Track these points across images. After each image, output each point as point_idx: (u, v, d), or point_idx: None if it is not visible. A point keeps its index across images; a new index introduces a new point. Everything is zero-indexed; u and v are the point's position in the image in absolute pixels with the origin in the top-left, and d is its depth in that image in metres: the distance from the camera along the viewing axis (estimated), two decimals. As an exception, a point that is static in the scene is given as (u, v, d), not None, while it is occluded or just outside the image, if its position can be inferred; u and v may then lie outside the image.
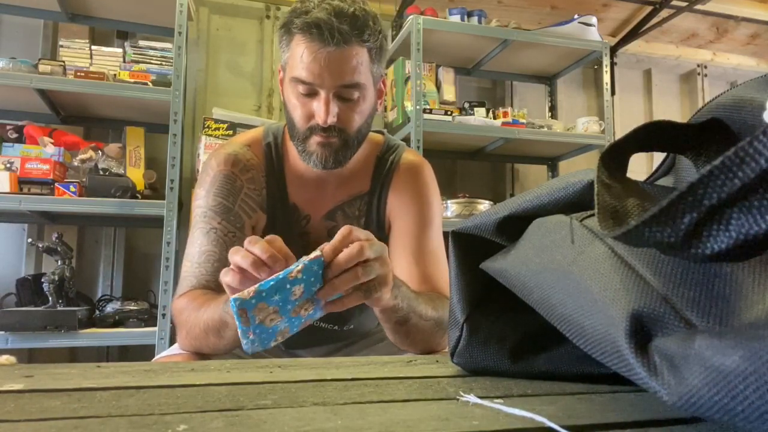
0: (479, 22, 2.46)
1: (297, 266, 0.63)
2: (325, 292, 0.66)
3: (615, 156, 0.37)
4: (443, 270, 0.99)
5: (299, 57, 0.88)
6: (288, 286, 0.62)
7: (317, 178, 1.01)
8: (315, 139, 0.92)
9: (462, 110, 2.48)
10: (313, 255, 0.65)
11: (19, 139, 2.03)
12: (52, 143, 1.98)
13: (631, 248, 0.34)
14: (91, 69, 2.02)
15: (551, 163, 2.89)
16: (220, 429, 0.30)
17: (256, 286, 0.61)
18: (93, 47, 2.13)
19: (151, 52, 2.17)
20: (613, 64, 2.78)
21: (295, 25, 0.88)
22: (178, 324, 0.90)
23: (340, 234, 0.68)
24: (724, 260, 0.27)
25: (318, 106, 0.89)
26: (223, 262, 0.92)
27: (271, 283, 0.61)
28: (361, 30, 0.88)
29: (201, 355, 0.89)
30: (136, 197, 1.97)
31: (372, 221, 1.04)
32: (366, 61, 0.91)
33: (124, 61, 2.12)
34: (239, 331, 0.61)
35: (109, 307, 2.00)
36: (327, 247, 0.66)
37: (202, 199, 0.97)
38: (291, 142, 0.99)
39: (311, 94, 0.90)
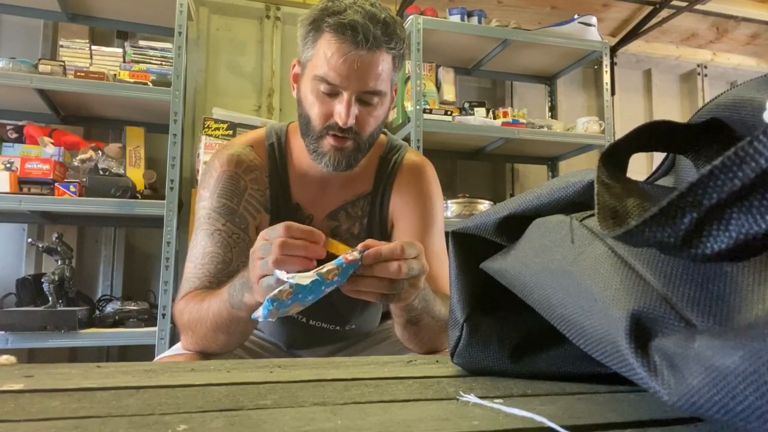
0: (479, 22, 2.46)
1: (334, 267, 0.64)
2: (356, 286, 0.68)
3: (615, 156, 0.37)
4: (447, 270, 0.99)
5: (327, 57, 0.88)
6: (323, 288, 0.64)
7: (320, 178, 1.01)
8: (329, 140, 0.92)
9: (462, 110, 2.48)
10: (351, 257, 0.66)
11: (19, 139, 2.02)
12: (52, 143, 1.98)
13: (631, 248, 0.34)
14: (91, 69, 2.02)
15: (551, 163, 2.89)
16: (220, 429, 0.30)
17: (293, 286, 0.62)
18: (93, 47, 2.13)
19: (151, 52, 2.17)
20: (613, 64, 2.78)
21: (327, 23, 0.87)
22: (182, 325, 0.90)
23: (390, 245, 0.69)
24: (724, 260, 0.27)
25: (340, 107, 0.89)
26: (227, 264, 0.92)
27: (308, 284, 0.62)
28: (390, 37, 0.89)
29: (204, 356, 0.89)
30: (136, 197, 1.97)
31: (375, 221, 1.04)
32: (389, 69, 0.92)
33: (124, 61, 2.11)
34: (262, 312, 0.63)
35: (109, 307, 1.99)
36: (371, 251, 0.67)
37: (206, 201, 0.97)
38: (300, 140, 0.98)
39: (333, 94, 0.91)
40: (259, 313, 0.62)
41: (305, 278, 0.62)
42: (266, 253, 0.68)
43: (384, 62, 0.90)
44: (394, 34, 0.89)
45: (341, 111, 0.89)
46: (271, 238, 0.69)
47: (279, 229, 0.69)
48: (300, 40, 0.94)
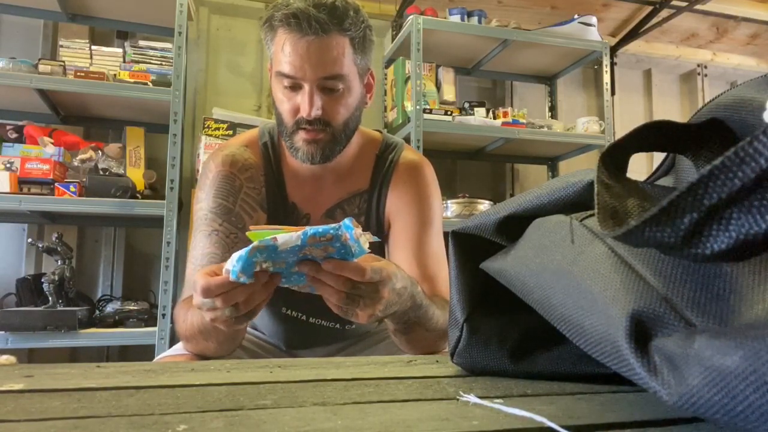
0: (479, 22, 2.46)
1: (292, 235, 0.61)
2: (316, 283, 0.65)
3: (615, 156, 0.37)
4: (444, 271, 0.99)
5: (281, 50, 0.89)
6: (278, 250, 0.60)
7: (315, 176, 1.01)
8: (301, 135, 0.92)
9: (462, 110, 2.48)
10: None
11: (19, 139, 2.02)
12: (52, 143, 1.98)
13: (631, 248, 0.34)
14: (91, 69, 2.02)
15: (551, 163, 2.89)
16: (220, 429, 0.30)
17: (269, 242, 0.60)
18: (93, 47, 2.13)
19: (151, 52, 2.17)
20: (613, 64, 2.78)
21: (276, 18, 0.89)
22: (178, 328, 0.90)
23: (358, 267, 0.65)
24: (724, 260, 0.27)
25: (302, 99, 0.90)
26: None
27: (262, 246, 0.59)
28: (340, 19, 0.88)
29: (203, 357, 0.88)
30: (136, 197, 1.97)
31: (372, 219, 1.04)
32: (348, 52, 0.91)
33: (124, 61, 2.11)
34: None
35: (109, 307, 1.99)
36: (335, 263, 0.63)
37: (203, 202, 0.97)
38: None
39: (296, 87, 0.91)
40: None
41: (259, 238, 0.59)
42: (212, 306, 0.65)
43: (338, 46, 0.89)
44: (344, 16, 0.88)
45: (304, 103, 0.90)
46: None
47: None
48: (264, 42, 0.96)
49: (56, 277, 1.82)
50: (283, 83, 0.91)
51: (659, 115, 3.18)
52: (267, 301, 0.67)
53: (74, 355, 2.20)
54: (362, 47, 0.93)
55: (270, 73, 0.98)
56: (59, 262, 1.87)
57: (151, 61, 2.14)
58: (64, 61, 2.00)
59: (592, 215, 0.39)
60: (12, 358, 0.54)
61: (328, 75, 0.89)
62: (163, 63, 2.15)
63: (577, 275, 0.35)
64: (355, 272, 0.65)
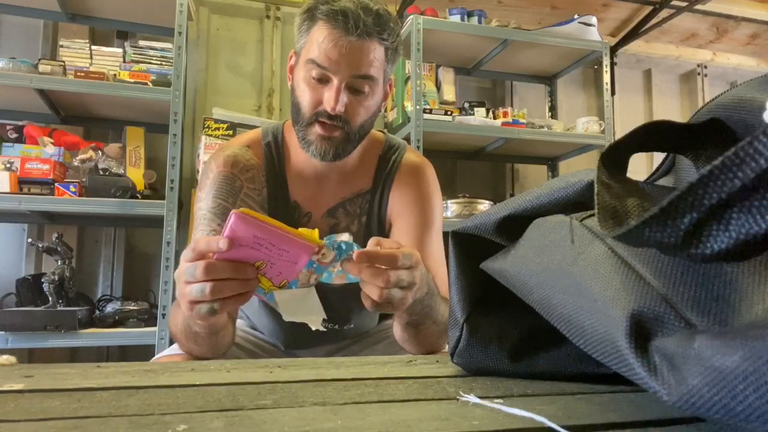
0: (479, 22, 2.46)
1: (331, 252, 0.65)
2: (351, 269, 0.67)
3: (615, 156, 0.37)
4: (444, 272, 0.99)
5: (319, 41, 0.90)
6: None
7: (318, 175, 1.01)
8: (317, 129, 0.93)
9: (462, 110, 2.48)
10: (344, 238, 0.66)
11: (19, 139, 2.02)
12: (52, 143, 1.98)
13: (631, 248, 0.34)
14: (91, 69, 2.02)
15: (551, 163, 2.89)
16: (220, 429, 0.30)
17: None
18: (93, 47, 2.13)
19: (151, 52, 2.17)
20: (613, 64, 2.78)
21: (321, 11, 0.90)
22: (171, 328, 0.90)
23: (388, 252, 0.67)
24: (724, 260, 0.27)
25: (329, 93, 0.91)
26: None
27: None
28: (382, 28, 0.90)
29: (195, 356, 0.89)
30: (136, 197, 1.97)
31: (373, 219, 1.04)
32: (381, 59, 0.93)
33: (124, 61, 2.11)
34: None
35: (109, 307, 1.99)
36: (366, 251, 0.66)
37: (203, 202, 0.97)
38: (293, 130, 0.98)
39: (323, 80, 0.92)
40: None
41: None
42: (194, 276, 0.62)
43: (375, 51, 0.91)
44: (386, 26, 0.91)
45: (330, 97, 0.90)
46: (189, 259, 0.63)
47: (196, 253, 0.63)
48: (296, 30, 0.97)
49: (56, 277, 1.82)
50: (311, 72, 0.92)
51: (659, 115, 3.18)
52: (244, 301, 0.65)
53: (74, 355, 2.20)
54: (393, 58, 0.96)
55: (291, 62, 0.99)
56: (59, 262, 1.87)
57: (151, 61, 2.14)
58: (64, 61, 2.00)
59: (592, 215, 0.39)
60: (12, 358, 0.54)
61: (360, 74, 0.91)
62: (163, 63, 2.15)
63: (577, 275, 0.35)
64: (386, 260, 0.66)
